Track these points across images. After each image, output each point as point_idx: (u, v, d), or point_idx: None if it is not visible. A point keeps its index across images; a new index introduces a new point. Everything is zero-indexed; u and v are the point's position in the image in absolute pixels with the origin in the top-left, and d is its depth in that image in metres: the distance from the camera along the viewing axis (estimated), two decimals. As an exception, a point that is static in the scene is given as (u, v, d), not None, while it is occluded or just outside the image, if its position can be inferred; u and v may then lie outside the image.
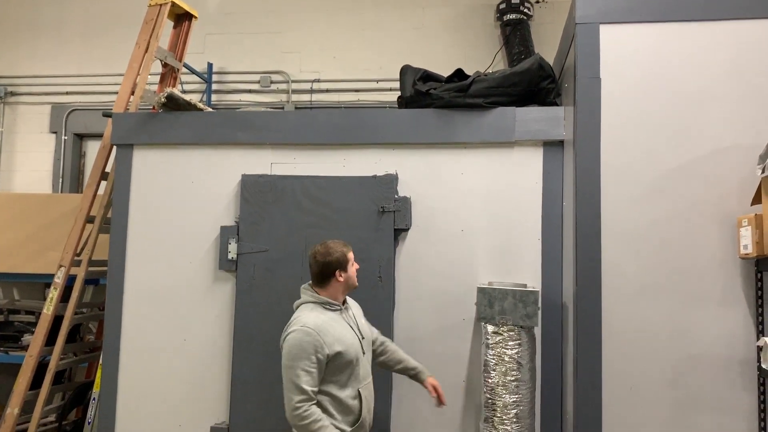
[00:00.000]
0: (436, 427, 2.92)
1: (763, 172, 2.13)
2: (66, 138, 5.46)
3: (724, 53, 2.44)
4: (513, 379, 2.63)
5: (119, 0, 5.62)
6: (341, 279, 2.51)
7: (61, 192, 5.36)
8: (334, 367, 2.40)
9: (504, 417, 2.62)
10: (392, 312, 2.96)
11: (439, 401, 2.67)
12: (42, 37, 5.68)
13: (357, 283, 2.59)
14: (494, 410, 2.63)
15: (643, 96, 2.47)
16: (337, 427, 2.37)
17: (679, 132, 2.45)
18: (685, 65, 2.47)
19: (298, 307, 2.56)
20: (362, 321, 2.66)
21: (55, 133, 5.50)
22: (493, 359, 2.66)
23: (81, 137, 5.57)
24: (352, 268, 2.57)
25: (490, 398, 2.65)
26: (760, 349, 2.20)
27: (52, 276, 3.67)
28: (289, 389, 2.34)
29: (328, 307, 2.50)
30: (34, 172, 5.45)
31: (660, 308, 2.39)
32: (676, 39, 2.48)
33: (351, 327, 2.52)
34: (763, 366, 2.15)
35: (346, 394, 2.43)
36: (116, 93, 5.25)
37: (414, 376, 2.71)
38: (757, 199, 2.23)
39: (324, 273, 2.50)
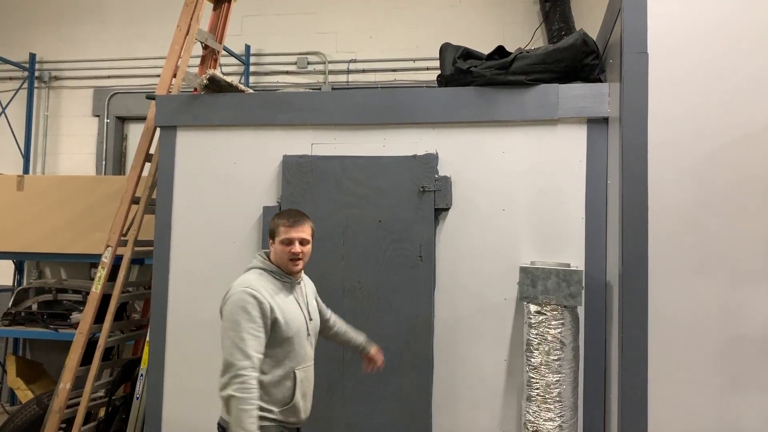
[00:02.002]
0: (477, 406, 2.93)
1: (820, 147, 2.05)
2: (108, 121, 5.56)
3: (779, 24, 2.35)
4: (556, 358, 2.62)
5: (157, -17, 5.68)
6: (272, 247, 2.40)
7: (105, 174, 5.47)
8: (272, 338, 2.26)
9: (547, 396, 2.62)
10: (433, 292, 2.96)
11: (374, 365, 2.68)
12: (83, 22, 5.76)
13: (290, 267, 2.37)
14: (537, 389, 2.63)
15: (694, 71, 2.40)
16: (262, 408, 2.22)
17: (731, 108, 2.37)
18: (741, 39, 2.38)
19: (247, 271, 2.41)
20: (314, 303, 2.54)
21: (97, 116, 5.60)
22: (536, 339, 2.65)
23: (123, 120, 5.66)
24: (281, 246, 2.36)
25: (532, 377, 2.65)
26: (814, 329, 2.15)
27: (97, 256, 3.78)
28: (231, 354, 2.15)
29: (277, 276, 2.37)
30: (78, 155, 5.58)
31: (709, 287, 2.34)
32: (730, 7, 2.39)
33: (299, 305, 2.40)
34: (818, 347, 2.09)
35: (278, 373, 2.29)
36: (157, 76, 5.40)
37: (359, 350, 2.70)
38: (813, 176, 2.16)
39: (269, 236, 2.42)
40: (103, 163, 5.50)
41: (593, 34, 3.29)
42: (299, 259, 2.39)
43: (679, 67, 2.40)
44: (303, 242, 2.40)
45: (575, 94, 2.85)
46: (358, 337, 2.71)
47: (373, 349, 2.70)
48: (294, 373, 2.34)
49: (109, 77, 5.62)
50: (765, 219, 2.33)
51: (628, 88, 2.43)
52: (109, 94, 5.57)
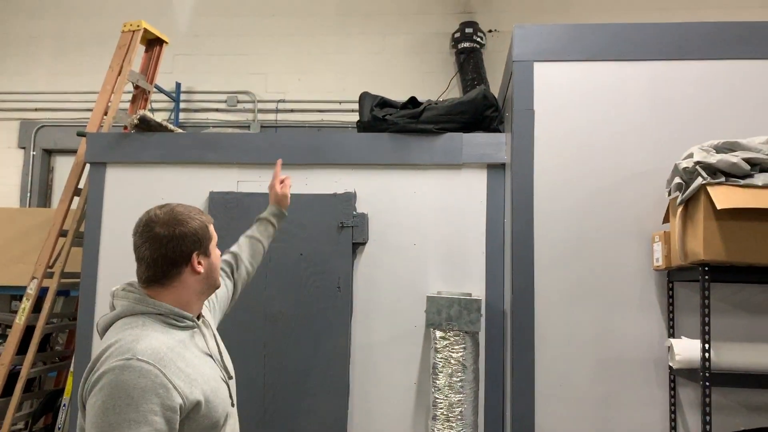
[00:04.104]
0: (390, 425, 3.16)
1: (669, 194, 2.45)
2: (34, 153, 5.58)
3: (641, 89, 2.77)
4: (458, 380, 2.89)
5: (88, 19, 5.79)
6: (200, 269, 1.60)
7: (29, 206, 5.47)
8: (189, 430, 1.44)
9: (450, 415, 2.88)
10: (350, 320, 3.20)
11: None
12: (11, 54, 5.81)
13: (217, 282, 1.68)
14: (441, 409, 2.89)
15: (572, 125, 2.79)
16: None
17: (603, 157, 2.76)
18: (608, 99, 2.79)
19: (110, 326, 1.57)
20: (217, 341, 1.71)
21: (23, 148, 5.62)
22: (441, 362, 2.92)
23: (49, 152, 5.69)
24: (216, 251, 1.69)
25: (437, 398, 2.91)
26: (668, 349, 2.51)
27: (19, 288, 3.82)
28: None
29: (175, 321, 1.55)
30: (2, 187, 5.55)
31: (585, 314, 2.69)
32: (600, 76, 2.80)
33: (211, 357, 1.60)
34: (671, 364, 2.46)
35: None
36: (85, 110, 5.51)
37: (274, 218, 2.46)
38: (666, 218, 2.55)
39: (170, 259, 1.57)
40: (28, 195, 5.50)
41: (501, 82, 3.70)
42: None
43: (560, 122, 2.79)
44: None
45: (477, 142, 3.20)
46: (260, 226, 2.37)
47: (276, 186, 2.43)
48: None
49: (36, 110, 5.66)
50: (632, 253, 2.70)
51: (517, 139, 2.79)
52: (36, 126, 5.60)
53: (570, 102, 2.79)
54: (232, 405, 1.63)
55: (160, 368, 1.40)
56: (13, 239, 4.37)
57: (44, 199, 5.59)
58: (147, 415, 1.33)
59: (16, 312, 4.76)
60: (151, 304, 1.55)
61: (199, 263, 1.61)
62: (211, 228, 1.68)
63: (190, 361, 1.50)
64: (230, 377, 1.65)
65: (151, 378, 1.37)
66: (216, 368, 1.60)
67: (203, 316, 1.69)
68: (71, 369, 3.53)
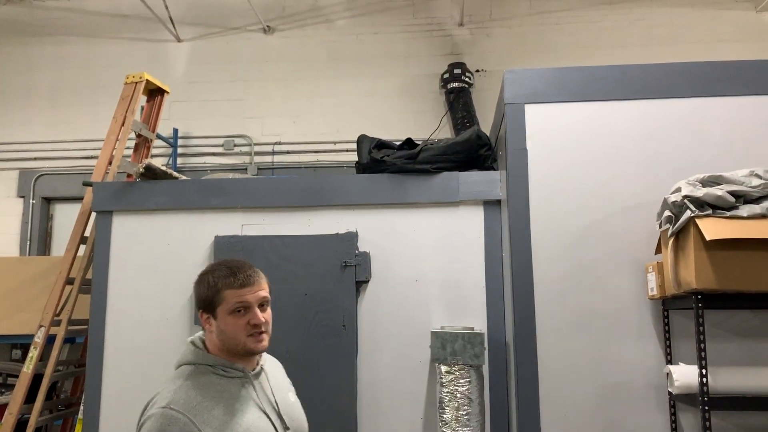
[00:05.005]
0: (398, 460, 3.21)
1: (660, 227, 2.57)
2: (34, 202, 5.65)
3: (628, 127, 2.92)
4: (465, 413, 2.96)
5: (85, 69, 5.94)
6: (207, 327, 1.70)
7: (29, 255, 5.51)
8: None
9: (458, 448, 2.94)
10: (356, 357, 3.27)
11: None
12: (9, 105, 5.93)
13: (251, 345, 1.68)
14: (449, 442, 2.95)
15: (564, 163, 2.92)
16: None
17: (596, 193, 2.89)
18: (599, 137, 2.93)
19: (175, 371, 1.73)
20: (291, 396, 1.87)
21: (22, 197, 5.69)
22: (447, 396, 2.99)
23: (48, 201, 5.77)
24: (232, 319, 1.67)
25: None
26: (667, 375, 2.61)
27: (21, 336, 3.86)
28: None
29: (223, 372, 1.68)
30: (3, 236, 5.61)
31: (585, 344, 2.78)
32: (588, 115, 2.95)
33: (263, 410, 1.69)
34: (670, 390, 2.55)
35: None
36: (84, 158, 5.62)
37: None
38: (658, 249, 2.67)
39: (197, 313, 1.72)
40: (28, 243, 5.55)
41: (491, 120, 3.85)
42: (263, 332, 1.70)
43: (552, 160, 2.93)
44: (263, 304, 1.73)
45: (472, 180, 3.33)
46: None
47: None
48: None
49: (35, 159, 5.75)
50: (628, 284, 2.81)
51: (512, 178, 2.92)
52: (35, 175, 5.69)
53: (561, 141, 2.93)
54: None
55: (190, 417, 1.56)
56: (14, 288, 4.41)
57: (44, 247, 5.64)
58: None
59: (16, 360, 4.79)
60: (200, 357, 1.70)
61: (208, 323, 1.72)
62: (228, 293, 1.67)
63: (231, 408, 1.63)
64: (286, 428, 1.73)
65: (180, 426, 1.54)
66: (264, 417, 1.69)
67: (264, 372, 1.80)
68: (80, 416, 3.55)
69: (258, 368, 1.78)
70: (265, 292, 1.73)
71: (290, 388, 1.92)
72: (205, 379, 1.65)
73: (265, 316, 1.72)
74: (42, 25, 6.03)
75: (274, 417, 1.71)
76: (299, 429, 1.80)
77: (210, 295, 1.69)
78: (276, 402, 1.75)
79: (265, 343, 1.72)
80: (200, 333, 1.79)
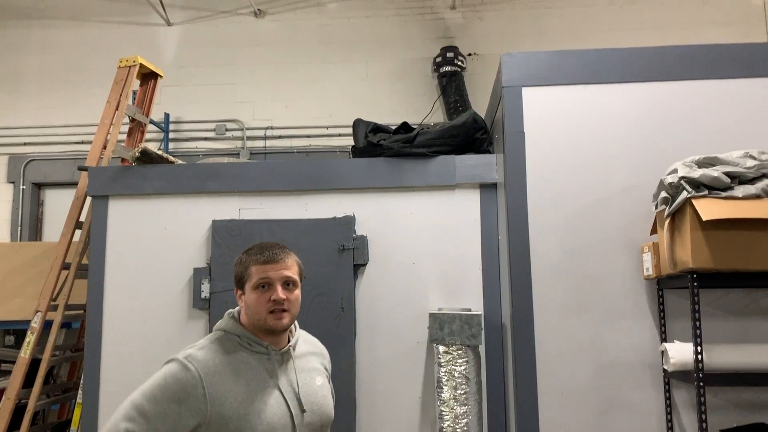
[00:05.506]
0: (397, 440, 3.26)
1: (656, 208, 2.61)
2: (24, 187, 5.61)
3: (623, 109, 2.95)
4: (462, 392, 3.00)
5: (73, 53, 5.88)
6: (242, 304, 1.79)
7: (20, 240, 5.48)
8: None
9: (456, 427, 2.99)
10: (354, 339, 3.31)
11: None
12: (-3, 90, 5.86)
13: (271, 323, 1.73)
14: (447, 421, 3.00)
15: (561, 145, 2.95)
16: None
17: (592, 174, 2.93)
18: (595, 119, 2.96)
19: None
20: (320, 384, 1.86)
21: (12, 182, 5.64)
22: (445, 376, 3.03)
23: (39, 186, 5.72)
24: (255, 294, 1.74)
25: (443, 410, 3.02)
26: (662, 353, 2.67)
27: (14, 323, 3.84)
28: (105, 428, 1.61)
29: (245, 344, 1.75)
30: (-8, 222, 5.58)
31: (582, 323, 2.83)
32: (584, 98, 2.98)
33: (280, 389, 1.72)
34: (665, 367, 2.61)
35: None
36: (73, 143, 5.57)
37: None
38: (653, 230, 2.72)
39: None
40: (19, 229, 5.52)
41: (484, 104, 3.87)
42: (284, 310, 1.74)
43: (549, 142, 2.95)
44: (287, 284, 1.76)
45: (469, 163, 3.35)
46: None
47: None
48: None
49: (24, 144, 5.69)
50: (623, 264, 2.86)
51: (509, 161, 2.95)
52: (24, 160, 5.64)
53: (558, 123, 2.96)
54: None
55: (201, 375, 1.63)
56: (7, 274, 4.38)
57: (35, 233, 5.61)
58: (169, 400, 1.60)
59: (9, 347, 4.77)
60: (231, 326, 1.78)
61: (240, 299, 1.81)
62: (253, 269, 1.75)
63: (244, 377, 1.69)
64: (303, 410, 1.75)
65: (188, 377, 1.62)
66: (280, 395, 1.72)
67: (291, 353, 1.82)
68: (78, 400, 3.56)
69: (286, 347, 1.81)
70: (289, 272, 1.77)
71: (320, 372, 1.91)
72: (230, 346, 1.73)
73: (289, 295, 1.76)
74: (28, 8, 5.95)
75: (290, 396, 1.74)
76: (319, 413, 1.81)
77: (241, 271, 1.79)
78: (297, 383, 1.78)
79: (285, 321, 1.75)
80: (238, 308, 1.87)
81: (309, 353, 1.92)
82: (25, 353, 3.62)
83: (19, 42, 5.91)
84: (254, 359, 1.73)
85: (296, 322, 1.92)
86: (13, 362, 3.75)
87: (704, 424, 2.26)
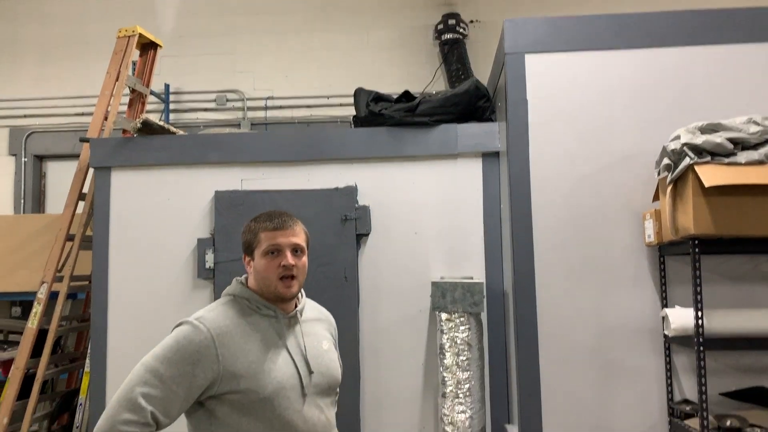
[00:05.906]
0: (401, 403, 3.31)
1: (658, 174, 2.61)
2: (26, 160, 5.60)
3: (626, 76, 2.93)
4: (465, 358, 3.05)
5: (71, 22, 5.80)
6: (250, 270, 1.83)
7: (23, 213, 5.49)
8: (236, 403, 1.65)
9: (458, 392, 3.04)
10: (357, 308, 3.34)
11: None
12: (-4, 61, 5.81)
13: (281, 290, 1.77)
14: (450, 386, 3.04)
15: (564, 113, 2.94)
16: None
17: (595, 142, 2.92)
18: (596, 86, 2.95)
19: None
20: (327, 349, 1.90)
21: (14, 155, 5.63)
22: (447, 342, 3.07)
23: (41, 158, 5.71)
24: (264, 261, 1.77)
25: (446, 376, 3.06)
26: (663, 319, 2.69)
27: (20, 294, 3.88)
28: (118, 398, 1.61)
29: (254, 307, 1.78)
30: (-5, 195, 5.58)
31: (584, 290, 2.86)
32: (588, 65, 2.96)
33: (288, 351, 1.76)
34: (666, 333, 2.64)
35: None
36: (74, 114, 5.54)
37: None
38: (656, 197, 2.72)
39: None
40: (22, 202, 5.53)
41: (486, 72, 3.84)
42: (293, 276, 1.77)
43: (551, 110, 2.94)
44: (296, 251, 1.80)
45: (471, 132, 3.34)
46: None
47: None
48: None
49: (25, 116, 5.67)
50: (625, 231, 2.88)
51: (512, 129, 2.94)
52: (26, 133, 5.62)
53: (561, 90, 2.95)
54: (303, 394, 1.74)
55: (213, 335, 1.66)
56: (11, 246, 4.42)
57: (38, 205, 5.62)
58: (183, 363, 1.61)
59: (16, 318, 4.83)
60: (239, 290, 1.82)
61: (249, 266, 1.85)
62: (263, 236, 1.79)
63: (254, 339, 1.72)
64: (311, 371, 1.78)
65: (201, 338, 1.65)
66: (288, 356, 1.76)
67: (298, 317, 1.85)
68: (86, 369, 3.62)
69: (293, 312, 1.85)
70: (297, 239, 1.81)
71: (327, 337, 1.95)
72: (239, 309, 1.77)
73: (297, 262, 1.79)
74: (24, -23, 5.87)
75: (298, 358, 1.77)
76: (326, 375, 1.84)
77: (250, 238, 1.82)
78: (305, 345, 1.82)
79: (294, 288, 1.79)
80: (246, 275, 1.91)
81: (315, 319, 1.96)
82: (33, 324, 3.66)
83: (16, 11, 5.83)
84: (264, 321, 1.77)
85: (303, 290, 1.95)
86: (21, 333, 3.80)
87: (704, 388, 2.29)
